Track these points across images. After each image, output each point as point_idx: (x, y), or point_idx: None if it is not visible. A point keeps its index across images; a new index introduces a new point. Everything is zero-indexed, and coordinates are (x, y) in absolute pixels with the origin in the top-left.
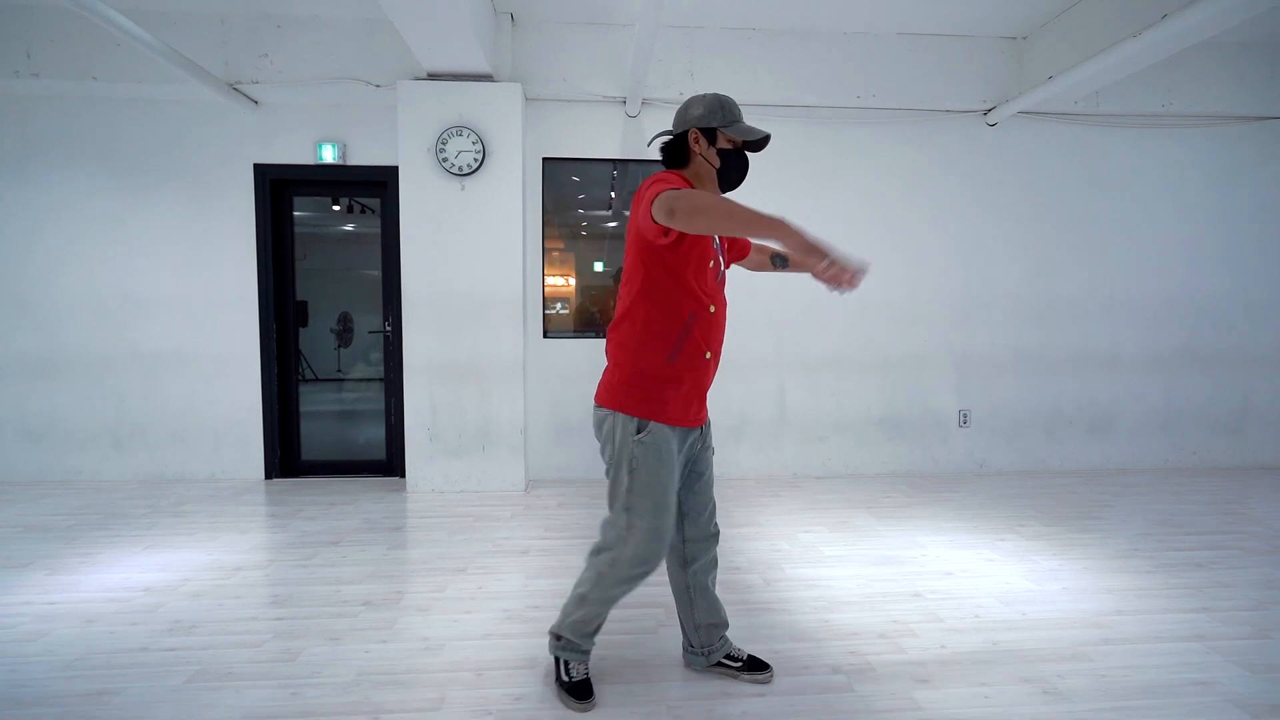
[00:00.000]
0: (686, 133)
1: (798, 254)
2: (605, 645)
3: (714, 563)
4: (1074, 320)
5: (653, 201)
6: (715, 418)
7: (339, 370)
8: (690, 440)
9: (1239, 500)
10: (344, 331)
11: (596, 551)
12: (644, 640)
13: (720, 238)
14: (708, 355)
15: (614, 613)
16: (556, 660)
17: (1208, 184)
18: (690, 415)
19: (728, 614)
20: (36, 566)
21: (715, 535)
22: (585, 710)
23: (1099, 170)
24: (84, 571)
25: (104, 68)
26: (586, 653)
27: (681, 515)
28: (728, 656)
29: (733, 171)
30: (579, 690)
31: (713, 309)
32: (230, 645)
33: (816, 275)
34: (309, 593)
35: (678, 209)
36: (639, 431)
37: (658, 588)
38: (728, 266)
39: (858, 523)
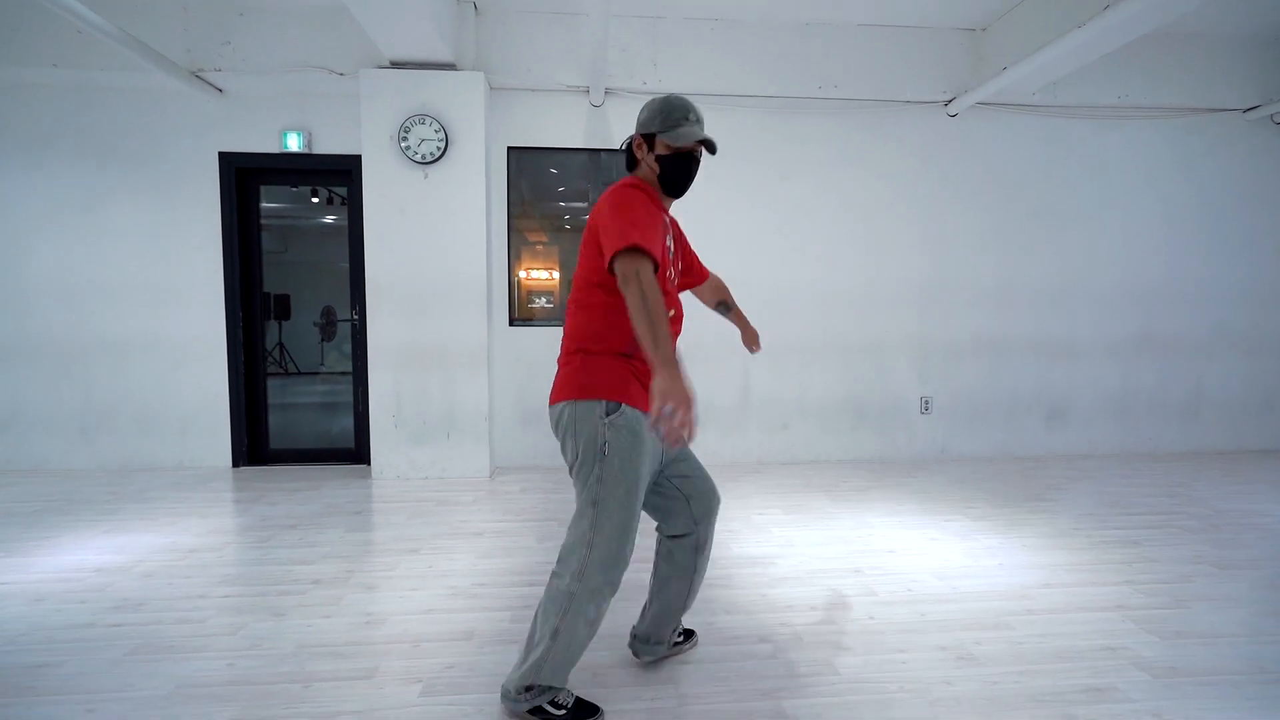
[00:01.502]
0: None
1: (657, 388)
2: None
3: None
4: (1032, 308)
5: (612, 253)
6: None
7: (322, 364)
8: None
9: (1186, 483)
10: (327, 325)
11: (559, 573)
12: None
13: (677, 249)
14: None
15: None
16: (536, 710)
17: (1162, 174)
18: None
19: None
20: None
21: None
22: None
23: (1057, 161)
24: (39, 554)
25: (65, 55)
26: (563, 686)
27: (686, 497)
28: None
29: (669, 179)
30: (582, 711)
31: (670, 313)
32: (174, 621)
33: (655, 415)
34: (260, 572)
35: (624, 289)
36: (609, 414)
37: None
38: (678, 282)
39: (813, 505)
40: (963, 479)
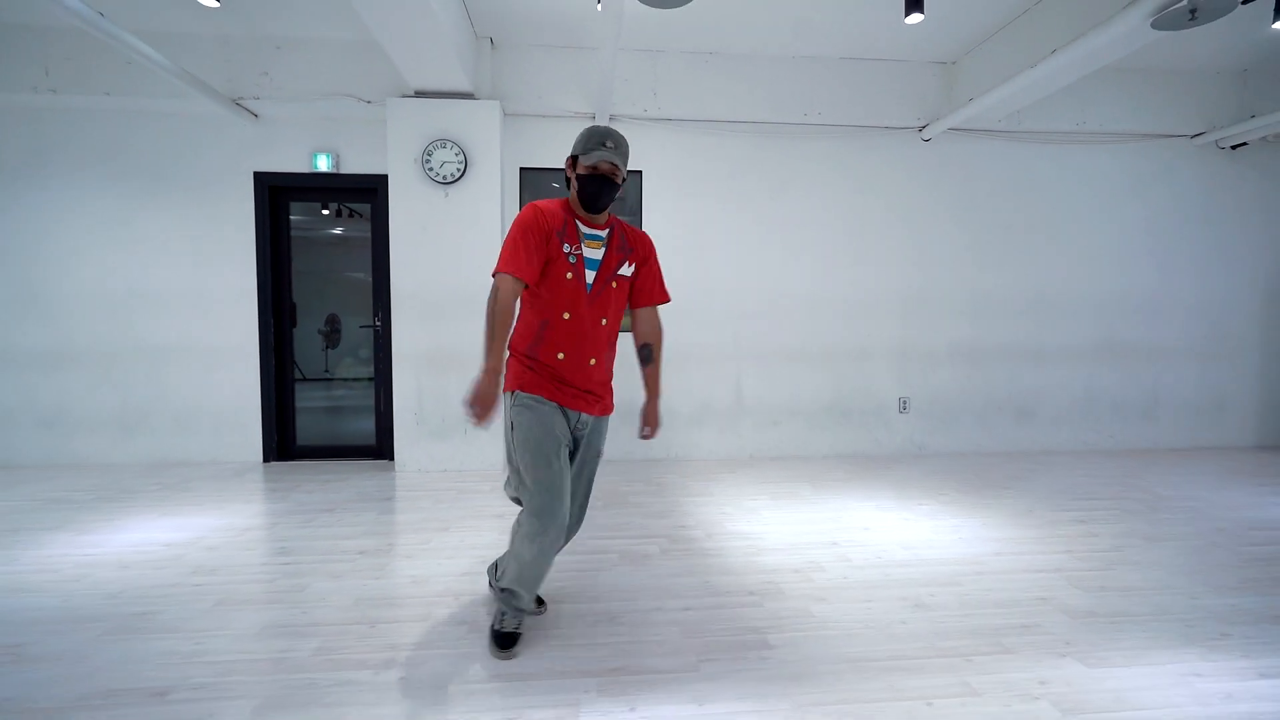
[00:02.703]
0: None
1: (473, 385)
2: (565, 579)
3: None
4: (1003, 316)
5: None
6: (679, 405)
7: (326, 370)
8: (572, 421)
9: (1136, 475)
10: (331, 333)
11: (520, 516)
12: (595, 574)
13: (613, 264)
14: (560, 356)
15: (567, 558)
16: (503, 593)
17: (1117, 194)
18: (561, 397)
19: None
20: (66, 529)
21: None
22: (506, 657)
23: (1022, 181)
24: (110, 532)
25: (116, 83)
26: (523, 610)
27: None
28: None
29: (582, 194)
30: (503, 640)
31: (566, 316)
32: (246, 581)
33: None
34: (311, 546)
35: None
36: (514, 401)
37: (616, 540)
38: (601, 287)
39: (799, 493)
40: (936, 471)
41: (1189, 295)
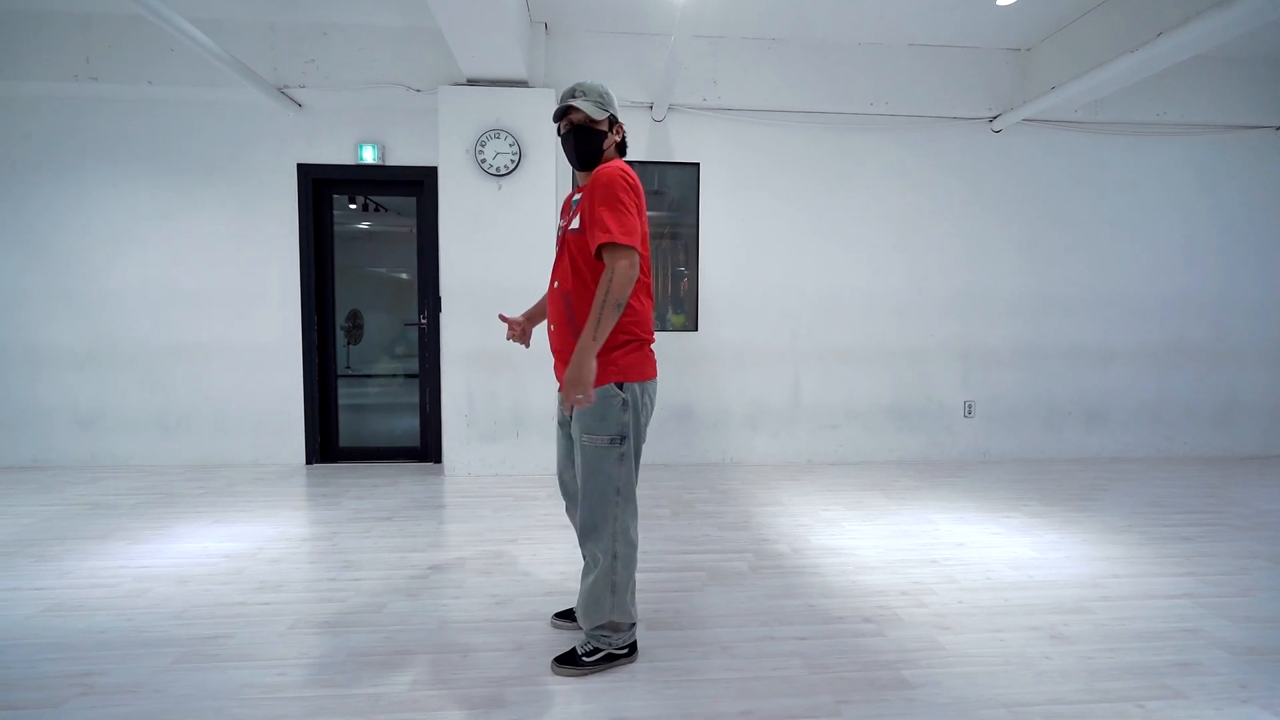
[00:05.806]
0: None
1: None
2: (659, 601)
3: None
4: (1071, 316)
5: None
6: (733, 405)
7: (348, 367)
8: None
9: (1223, 486)
10: (353, 329)
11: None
12: (689, 596)
13: (568, 219)
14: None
15: (651, 576)
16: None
17: (1198, 188)
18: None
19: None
20: (116, 538)
21: None
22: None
23: (1096, 174)
24: (161, 541)
25: (158, 72)
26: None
27: None
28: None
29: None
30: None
31: (556, 284)
32: (318, 600)
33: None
34: (378, 559)
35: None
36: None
37: (698, 555)
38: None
39: (872, 502)
40: (1006, 479)
41: (1268, 294)
